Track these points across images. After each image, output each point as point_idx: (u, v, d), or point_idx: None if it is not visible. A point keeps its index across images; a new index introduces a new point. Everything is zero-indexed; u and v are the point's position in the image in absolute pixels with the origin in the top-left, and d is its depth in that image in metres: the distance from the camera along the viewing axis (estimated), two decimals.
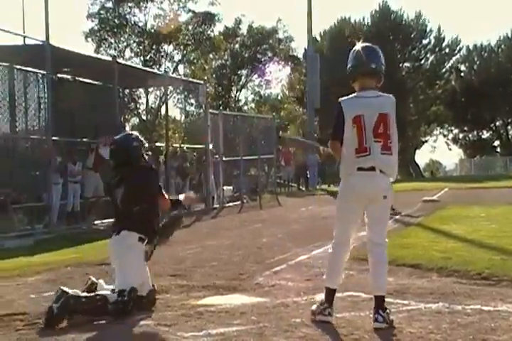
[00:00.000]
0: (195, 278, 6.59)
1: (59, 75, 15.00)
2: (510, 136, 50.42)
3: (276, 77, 44.78)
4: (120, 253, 5.09)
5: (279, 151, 24.73)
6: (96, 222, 13.53)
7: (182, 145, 19.32)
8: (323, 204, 16.41)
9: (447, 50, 45.28)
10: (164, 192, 5.44)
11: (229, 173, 20.58)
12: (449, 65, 46.14)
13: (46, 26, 12.24)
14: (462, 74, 48.07)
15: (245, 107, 45.17)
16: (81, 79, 15.81)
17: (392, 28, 42.53)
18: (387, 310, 4.37)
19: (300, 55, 42.49)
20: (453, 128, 51.99)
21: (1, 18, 53.23)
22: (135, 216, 5.13)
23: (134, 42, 36.94)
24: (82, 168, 13.86)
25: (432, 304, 4.93)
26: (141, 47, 36.73)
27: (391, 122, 4.47)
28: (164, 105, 21.82)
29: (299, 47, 43.89)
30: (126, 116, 28.20)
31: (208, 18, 36.39)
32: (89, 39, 35.94)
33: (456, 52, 46.08)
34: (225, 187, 19.19)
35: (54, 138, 12.55)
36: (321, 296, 4.62)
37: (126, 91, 23.85)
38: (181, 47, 37.25)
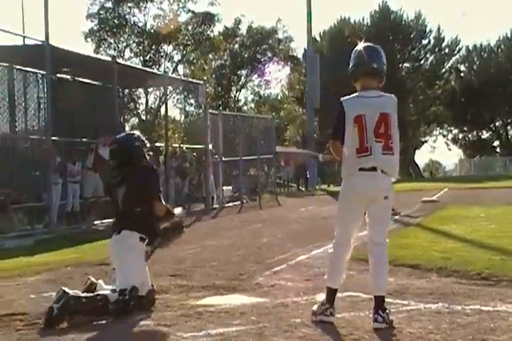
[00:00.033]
0: (195, 278, 6.59)
1: (58, 75, 15.00)
2: (509, 136, 50.46)
3: (276, 77, 44.89)
4: (121, 253, 5.09)
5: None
6: (96, 222, 13.53)
7: (181, 146, 19.32)
8: (323, 205, 16.43)
9: (447, 50, 45.34)
10: (161, 198, 5.38)
11: (228, 173, 20.60)
12: (449, 65, 46.24)
13: (46, 26, 12.27)
14: (462, 74, 48.12)
15: (245, 107, 45.27)
16: (80, 79, 15.81)
17: (392, 28, 42.56)
18: (387, 311, 4.37)
19: (300, 55, 42.61)
20: (452, 128, 52.05)
21: (1, 18, 53.28)
22: (136, 216, 5.13)
23: (134, 42, 36.97)
24: (81, 168, 13.86)
25: (432, 304, 4.93)
26: (140, 48, 36.76)
27: (392, 122, 4.46)
28: (164, 105, 21.81)
29: (299, 47, 44.10)
30: (126, 116, 28.19)
31: (208, 19, 36.43)
32: (89, 39, 36.03)
33: (455, 52, 46.17)
34: (224, 188, 19.21)
35: (53, 138, 12.55)
36: (321, 296, 4.62)
37: (126, 91, 23.86)
38: (181, 47, 37.28)
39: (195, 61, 38.57)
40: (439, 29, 44.57)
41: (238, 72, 42.91)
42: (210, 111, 19.14)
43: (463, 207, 13.45)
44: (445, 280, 6.03)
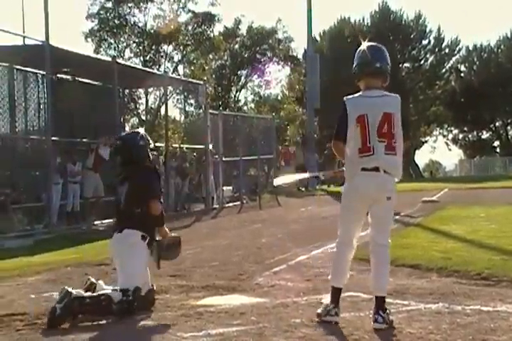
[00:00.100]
0: (195, 278, 6.59)
1: (59, 75, 14.99)
2: (509, 137, 50.44)
3: (276, 78, 44.88)
4: (122, 252, 5.09)
5: (278, 151, 24.77)
6: (96, 222, 13.53)
7: (182, 146, 19.32)
8: (323, 205, 16.43)
9: (447, 51, 45.29)
10: (161, 199, 5.35)
11: (228, 173, 20.60)
12: (449, 65, 46.18)
13: (46, 26, 12.24)
14: (462, 74, 48.10)
15: (245, 107, 45.23)
16: (81, 79, 15.81)
17: (392, 28, 42.53)
18: (387, 311, 4.37)
19: (300, 56, 42.58)
20: (453, 128, 52.02)
21: (1, 18, 53.29)
22: (137, 215, 5.12)
23: (134, 42, 36.97)
24: (81, 168, 13.86)
25: (432, 304, 4.93)
26: (140, 48, 36.76)
27: (395, 122, 4.44)
28: (164, 105, 21.81)
29: (299, 47, 44.03)
30: (126, 117, 28.20)
31: (208, 19, 36.43)
32: (89, 39, 36.03)
33: (455, 52, 46.12)
34: (224, 188, 19.21)
35: (54, 138, 12.55)
36: (327, 298, 4.59)
37: (126, 91, 23.84)
38: (181, 47, 37.28)
39: (195, 61, 38.57)
40: (439, 29, 44.59)
41: (238, 72, 42.91)
42: (210, 111, 19.15)
43: (463, 207, 13.45)
44: (445, 281, 6.03)
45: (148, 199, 5.13)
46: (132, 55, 37.14)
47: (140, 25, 36.54)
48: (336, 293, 4.52)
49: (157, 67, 35.56)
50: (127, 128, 20.00)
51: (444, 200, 16.18)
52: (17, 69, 14.18)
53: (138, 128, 6.35)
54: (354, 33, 39.23)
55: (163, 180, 14.59)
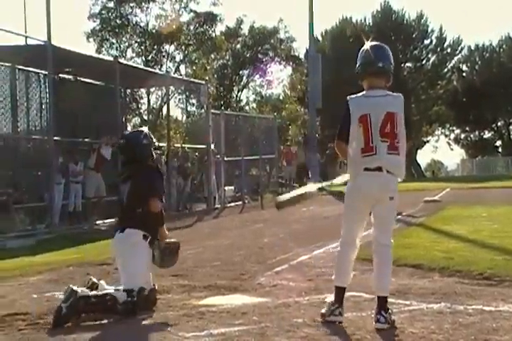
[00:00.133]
0: (197, 278, 6.58)
1: (61, 75, 15.01)
2: (511, 136, 50.36)
3: (278, 77, 44.85)
4: (124, 251, 5.09)
5: (280, 151, 24.77)
6: (97, 222, 13.54)
7: (183, 146, 19.33)
8: (325, 205, 16.41)
9: (449, 50, 45.22)
10: (163, 199, 5.33)
11: (230, 173, 20.60)
12: (451, 65, 46.10)
13: (48, 26, 12.24)
14: (464, 74, 48.03)
15: (247, 107, 45.18)
16: (83, 79, 15.82)
17: (394, 28, 42.49)
18: (390, 311, 4.36)
19: (302, 55, 42.52)
20: (455, 128, 51.93)
21: (3, 18, 53.37)
22: (139, 214, 5.12)
23: (136, 42, 36.94)
24: (83, 168, 13.88)
25: (434, 304, 4.92)
26: (142, 48, 36.73)
27: (398, 121, 4.42)
28: (166, 105, 21.80)
29: (301, 47, 43.91)
30: (128, 116, 28.21)
31: (210, 19, 36.39)
32: (91, 39, 35.97)
33: (457, 52, 46.03)
34: (226, 188, 19.21)
35: (56, 138, 12.56)
36: (330, 298, 4.59)
37: (128, 91, 23.87)
38: (183, 47, 37.25)
39: (197, 61, 38.53)
40: (441, 29, 44.51)
41: (240, 72, 42.88)
42: (212, 111, 19.14)
43: (465, 207, 13.43)
44: (447, 280, 6.03)
45: (149, 197, 5.12)
46: (134, 54, 37.13)
47: (142, 25, 36.53)
48: (340, 292, 4.51)
49: (159, 66, 35.55)
50: (129, 128, 20.01)
51: (446, 200, 16.15)
52: (19, 69, 14.20)
53: (141, 127, 6.33)
54: (356, 32, 39.18)
55: (165, 179, 14.62)
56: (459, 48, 45.81)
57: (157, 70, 27.19)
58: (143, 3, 35.92)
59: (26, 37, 13.90)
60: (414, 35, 43.95)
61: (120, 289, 4.94)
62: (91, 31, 35.88)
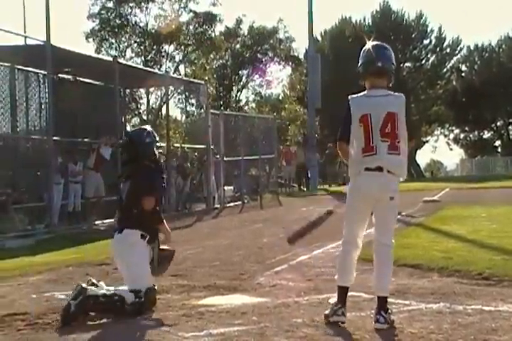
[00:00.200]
0: (196, 278, 6.59)
1: (60, 75, 15.00)
2: (511, 136, 50.37)
3: (277, 77, 44.82)
4: (123, 252, 5.09)
5: (280, 151, 24.77)
6: (97, 222, 13.53)
7: (183, 146, 19.33)
8: (324, 205, 16.41)
9: (448, 50, 45.23)
10: (162, 199, 5.31)
11: (230, 173, 20.60)
12: (450, 65, 46.11)
13: (47, 26, 12.24)
14: (463, 74, 48.05)
15: (246, 107, 45.16)
16: (82, 79, 15.81)
17: (393, 28, 42.48)
18: (389, 311, 4.36)
19: (301, 56, 42.52)
20: (454, 128, 51.95)
21: (2, 18, 53.28)
22: (137, 214, 5.11)
23: (135, 42, 36.92)
24: (83, 168, 13.87)
25: (433, 304, 4.92)
26: (142, 48, 36.70)
27: (399, 121, 4.42)
28: (165, 105, 21.79)
29: (300, 47, 43.96)
30: (127, 116, 28.20)
31: (209, 19, 36.36)
32: (90, 39, 35.94)
33: (457, 52, 46.04)
34: (225, 187, 19.21)
35: (55, 138, 12.55)
36: (333, 299, 4.58)
37: (127, 91, 23.86)
38: (182, 47, 37.23)
39: (196, 61, 38.52)
40: (440, 29, 44.50)
41: (239, 72, 42.87)
42: (211, 111, 19.14)
43: (464, 207, 13.43)
44: (446, 280, 6.03)
45: (143, 196, 5.11)
46: (133, 54, 37.10)
47: (141, 25, 36.50)
48: (343, 292, 4.50)
49: (158, 66, 35.53)
50: (128, 128, 20.01)
51: (445, 200, 16.16)
52: (18, 69, 14.19)
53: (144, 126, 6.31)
54: (355, 32, 39.22)
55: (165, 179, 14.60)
56: (459, 48, 45.85)
57: (156, 70, 27.16)
58: (142, 3, 35.90)
59: (25, 37, 13.89)
60: (413, 35, 43.95)
61: (125, 289, 4.92)
62: (90, 31, 35.86)
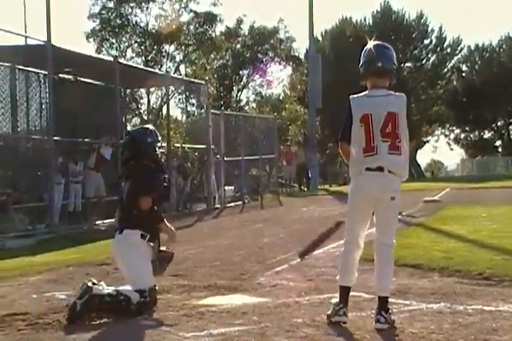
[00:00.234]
0: (197, 278, 6.59)
1: (60, 75, 15.00)
2: (511, 136, 50.36)
3: (278, 77, 44.83)
4: (124, 252, 5.08)
5: (280, 151, 24.76)
6: (97, 222, 13.53)
7: (183, 146, 19.33)
8: (325, 205, 16.43)
9: (449, 50, 45.22)
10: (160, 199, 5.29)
11: (230, 173, 20.60)
12: (451, 64, 46.11)
13: (48, 26, 12.23)
14: (464, 74, 48.04)
15: (246, 107, 45.15)
16: (82, 79, 15.81)
17: (394, 28, 42.48)
18: (390, 311, 4.36)
19: (301, 56, 42.52)
20: (454, 128, 51.96)
21: (3, 18, 53.37)
22: (136, 214, 5.11)
23: (136, 42, 36.92)
24: (83, 168, 13.87)
25: (434, 304, 4.92)
26: (142, 48, 36.70)
27: (400, 121, 4.41)
28: (166, 105, 21.78)
29: (301, 47, 43.92)
30: (128, 116, 28.18)
31: (210, 19, 36.35)
32: (91, 39, 35.93)
33: (457, 52, 46.04)
34: (226, 187, 19.20)
35: (55, 138, 12.55)
36: (335, 299, 4.58)
37: (128, 91, 23.85)
38: (183, 47, 37.23)
39: (196, 61, 38.51)
40: (440, 29, 44.51)
41: (240, 72, 42.87)
42: (211, 111, 19.14)
43: (465, 207, 13.43)
44: (447, 280, 6.03)
45: (140, 195, 5.10)
46: (134, 54, 37.08)
47: (142, 25, 36.49)
48: (344, 292, 4.49)
49: (159, 66, 35.52)
50: (129, 128, 19.99)
51: (446, 200, 16.16)
52: (19, 69, 14.19)
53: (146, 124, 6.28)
54: (356, 32, 39.22)
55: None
56: (459, 48, 45.84)
57: (157, 70, 27.16)
58: (143, 3, 35.89)
59: (26, 37, 13.90)
60: (414, 35, 43.94)
61: (130, 289, 4.92)
62: (91, 31, 35.85)
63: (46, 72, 13.04)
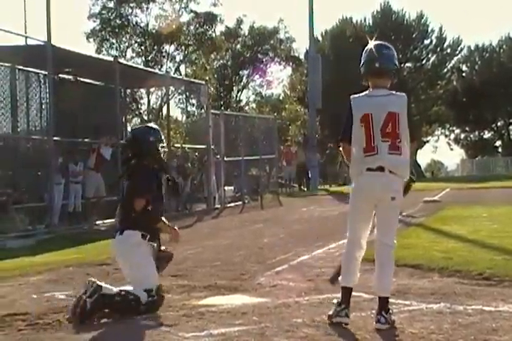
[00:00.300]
0: (197, 278, 6.58)
1: (60, 75, 15.00)
2: (511, 137, 50.37)
3: (278, 78, 44.85)
4: (126, 253, 5.07)
5: (280, 151, 24.76)
6: (97, 222, 13.53)
7: (183, 146, 19.33)
8: (325, 205, 16.44)
9: (449, 50, 45.22)
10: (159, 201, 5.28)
11: (230, 173, 20.60)
12: (451, 65, 46.11)
13: (48, 26, 12.23)
14: (464, 74, 48.05)
15: (246, 107, 45.18)
16: (82, 79, 15.81)
17: (394, 28, 42.47)
18: (390, 311, 4.36)
19: (301, 56, 42.55)
20: (454, 128, 51.98)
21: (3, 18, 53.28)
22: (136, 214, 5.10)
23: (136, 42, 36.95)
24: (83, 168, 13.87)
25: (434, 304, 4.92)
26: (142, 48, 36.74)
27: (400, 121, 4.40)
28: (166, 105, 21.80)
29: (301, 47, 43.98)
30: (128, 117, 28.17)
31: (210, 19, 36.39)
32: (91, 39, 35.99)
33: (457, 52, 46.03)
34: (226, 188, 19.20)
35: (55, 138, 12.54)
36: (337, 299, 4.57)
37: (128, 91, 23.85)
38: (183, 47, 37.26)
39: (196, 61, 38.54)
40: (441, 29, 44.50)
41: (240, 72, 42.91)
42: (211, 111, 19.14)
43: (465, 207, 13.43)
44: (447, 281, 6.03)
45: (134, 196, 5.10)
46: (134, 55, 37.15)
47: (142, 25, 36.54)
48: (346, 293, 4.48)
49: (159, 67, 35.57)
50: (129, 128, 19.99)
51: (446, 200, 16.16)
52: (19, 69, 14.19)
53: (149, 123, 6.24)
54: (356, 33, 39.22)
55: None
56: (459, 48, 45.84)
57: (157, 70, 27.18)
58: (143, 4, 35.93)
59: (26, 37, 13.89)
60: (414, 35, 43.93)
61: (136, 289, 4.91)
62: (91, 31, 35.90)
63: (46, 72, 13.04)
